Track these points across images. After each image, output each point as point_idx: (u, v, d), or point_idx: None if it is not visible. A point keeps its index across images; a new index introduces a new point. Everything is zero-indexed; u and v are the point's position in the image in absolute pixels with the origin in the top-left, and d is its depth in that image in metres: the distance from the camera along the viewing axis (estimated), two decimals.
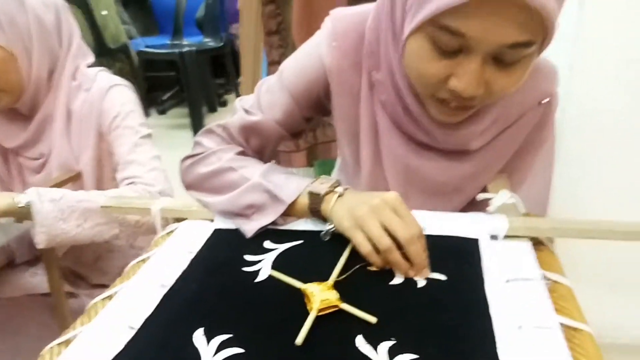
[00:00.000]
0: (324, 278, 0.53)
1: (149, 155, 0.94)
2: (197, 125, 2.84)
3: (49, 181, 0.94)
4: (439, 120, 0.64)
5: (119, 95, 0.95)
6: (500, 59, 0.54)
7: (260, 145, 0.76)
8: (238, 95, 3.21)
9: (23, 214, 0.76)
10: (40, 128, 0.93)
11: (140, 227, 0.86)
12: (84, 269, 1.05)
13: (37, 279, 1.01)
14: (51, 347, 0.47)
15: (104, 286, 1.06)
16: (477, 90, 0.55)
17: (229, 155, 0.71)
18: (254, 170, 0.68)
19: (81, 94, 0.94)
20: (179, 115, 3.26)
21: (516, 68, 0.55)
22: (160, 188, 0.89)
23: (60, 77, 0.92)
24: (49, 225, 0.76)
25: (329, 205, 0.62)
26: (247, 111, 0.74)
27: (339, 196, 0.62)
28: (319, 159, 1.76)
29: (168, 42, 3.18)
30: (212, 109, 3.33)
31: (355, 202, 0.59)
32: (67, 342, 0.48)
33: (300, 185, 0.65)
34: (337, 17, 0.71)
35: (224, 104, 3.45)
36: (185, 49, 2.81)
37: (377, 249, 0.55)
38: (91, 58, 0.99)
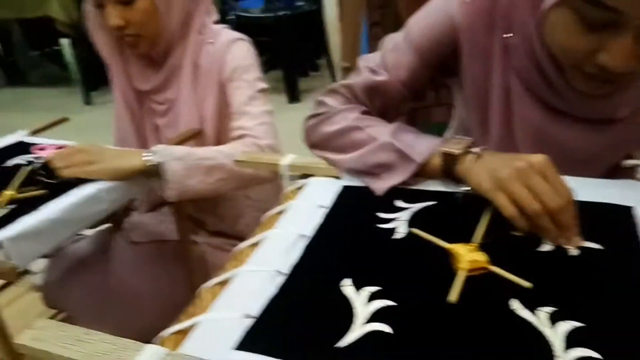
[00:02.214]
0: (464, 239, 0.53)
1: (262, 109, 0.97)
2: (291, 89, 2.88)
3: (175, 124, 1.01)
4: (583, 91, 0.60)
5: (240, 49, 0.99)
6: None
7: (384, 105, 0.75)
8: (329, 59, 3.20)
9: (153, 172, 0.82)
10: (169, 75, 1.00)
11: (255, 179, 0.91)
12: (204, 215, 1.12)
13: (164, 226, 1.10)
14: (212, 287, 0.51)
15: (221, 233, 1.14)
16: (629, 66, 0.52)
17: (354, 115, 0.71)
18: (381, 130, 0.68)
19: (206, 47, 0.98)
20: (272, 79, 3.32)
21: None
22: (268, 142, 0.92)
23: (189, 30, 0.97)
24: (178, 182, 0.82)
25: (465, 166, 0.60)
26: (372, 70, 0.73)
27: (475, 157, 0.60)
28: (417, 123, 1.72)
29: (261, 5, 3.21)
30: (304, 74, 3.35)
31: (497, 163, 0.57)
32: (222, 283, 0.51)
33: (431, 144, 0.64)
34: None
35: (316, 67, 3.46)
36: (281, 13, 2.83)
37: (522, 213, 0.53)
38: (216, 15, 1.03)
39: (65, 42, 2.99)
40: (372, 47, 1.81)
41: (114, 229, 1.10)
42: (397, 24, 1.73)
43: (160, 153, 0.82)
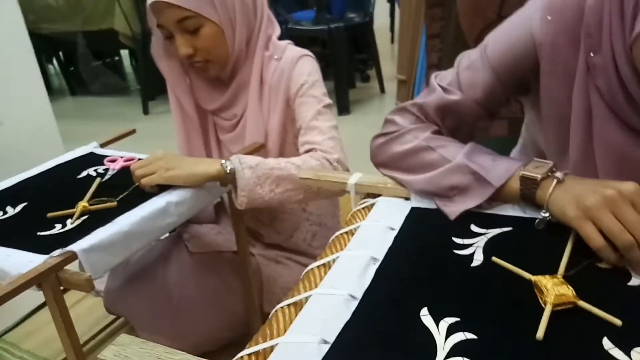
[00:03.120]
0: (546, 270, 0.50)
1: (329, 124, 0.97)
2: (342, 101, 2.88)
3: (240, 139, 1.02)
4: None
5: (306, 65, 0.99)
6: None
7: (456, 125, 0.73)
8: (379, 71, 3.19)
9: (227, 179, 0.84)
10: (236, 93, 1.01)
11: (321, 193, 0.91)
12: (261, 227, 1.13)
13: (221, 237, 1.12)
14: (282, 308, 0.50)
15: (276, 245, 1.15)
16: None
17: (425, 134, 0.70)
18: (454, 150, 0.66)
19: (273, 62, 1.00)
20: None
21: None
22: (337, 156, 0.92)
23: (255, 47, 0.99)
24: (249, 190, 0.83)
25: (547, 192, 0.57)
26: (445, 89, 0.71)
27: (557, 182, 0.57)
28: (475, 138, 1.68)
29: (313, 17, 3.24)
30: (352, 85, 3.35)
31: (582, 190, 0.54)
32: (296, 305, 0.51)
33: (510, 168, 0.61)
34: None
35: (366, 79, 3.45)
36: (333, 25, 2.85)
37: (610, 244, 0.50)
38: (279, 29, 1.04)
39: (125, 54, 3.12)
40: (430, 59, 1.78)
41: (172, 239, 1.13)
42: (456, 37, 1.70)
43: (234, 160, 0.84)
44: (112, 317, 1.23)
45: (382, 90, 3.22)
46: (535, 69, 0.66)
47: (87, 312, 1.29)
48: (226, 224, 1.17)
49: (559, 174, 0.58)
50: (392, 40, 4.52)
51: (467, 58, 0.72)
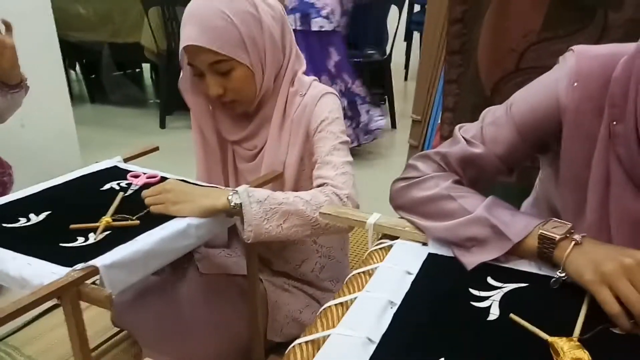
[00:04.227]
0: (561, 330, 0.51)
1: (343, 160, 0.99)
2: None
3: (257, 169, 1.04)
4: None
5: (329, 102, 1.02)
6: None
7: (477, 176, 0.75)
8: (392, 106, 3.24)
9: (234, 212, 0.85)
10: (259, 126, 1.04)
11: (328, 230, 0.92)
12: (271, 255, 1.14)
13: (231, 260, 1.13)
14: (300, 344, 0.52)
15: (284, 274, 1.16)
16: None
17: (446, 183, 0.72)
18: (474, 202, 0.68)
19: (297, 98, 1.02)
20: None
21: None
22: (347, 192, 0.93)
23: (281, 83, 1.02)
24: (256, 225, 0.84)
25: (564, 253, 0.59)
26: (468, 142, 0.74)
27: (575, 244, 0.59)
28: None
29: None
30: None
31: (601, 255, 0.55)
32: (314, 343, 0.52)
33: (529, 225, 0.63)
34: (583, 56, 0.67)
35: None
36: (353, 60, 2.91)
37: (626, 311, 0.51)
38: (304, 65, 1.07)
39: (145, 67, 3.17)
40: (446, 103, 1.82)
41: (183, 258, 1.14)
42: (473, 84, 1.73)
43: (242, 194, 0.85)
44: (116, 329, 1.23)
45: (394, 125, 3.27)
46: (558, 131, 0.69)
47: (90, 321, 1.29)
48: (236, 247, 1.18)
49: (577, 236, 0.59)
50: (406, 78, 4.60)
51: (492, 114, 0.74)
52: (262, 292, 1.10)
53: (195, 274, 1.10)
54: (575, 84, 0.65)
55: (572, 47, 0.70)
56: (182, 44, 0.92)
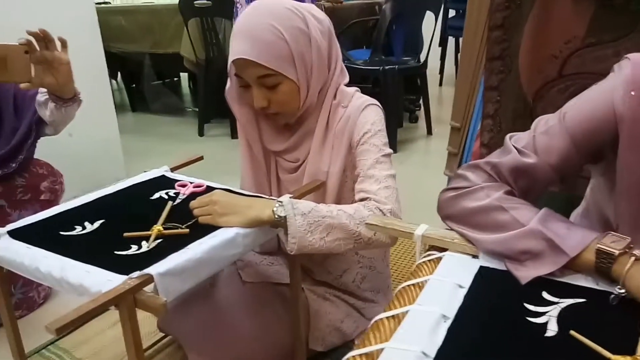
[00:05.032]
0: (621, 348, 0.50)
1: (386, 173, 0.98)
2: (390, 139, 2.90)
3: (299, 181, 1.05)
4: None
5: (372, 114, 1.02)
6: None
7: (529, 187, 0.74)
8: (428, 113, 3.22)
9: (278, 224, 0.86)
10: (301, 139, 1.05)
11: (371, 244, 0.91)
12: (312, 264, 1.15)
13: (273, 269, 1.14)
14: (354, 357, 0.52)
15: (325, 283, 1.16)
16: None
17: (498, 194, 0.71)
18: (527, 214, 0.66)
19: (339, 110, 1.03)
20: None
21: None
22: (390, 207, 0.92)
23: (325, 96, 1.02)
24: (300, 237, 0.85)
25: (624, 268, 0.57)
26: (520, 152, 0.73)
27: (636, 259, 0.57)
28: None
29: (369, 57, 3.32)
30: (400, 124, 3.38)
31: None
32: (368, 356, 0.52)
33: (585, 238, 0.62)
34: (639, 64, 0.65)
35: (415, 119, 3.48)
36: (388, 67, 2.90)
37: None
38: (347, 77, 1.08)
39: (184, 76, 3.25)
40: (486, 110, 1.79)
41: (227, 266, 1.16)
42: (514, 91, 1.70)
43: (286, 206, 0.85)
44: (161, 334, 1.26)
45: (430, 132, 3.24)
46: (614, 141, 0.67)
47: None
48: (278, 255, 1.19)
49: (637, 252, 0.58)
50: (440, 83, 4.55)
51: (545, 123, 0.73)
52: (303, 301, 1.11)
53: (238, 282, 1.11)
54: (633, 93, 0.64)
55: (628, 56, 0.68)
56: (231, 57, 0.94)
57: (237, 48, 0.92)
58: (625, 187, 0.69)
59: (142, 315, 1.23)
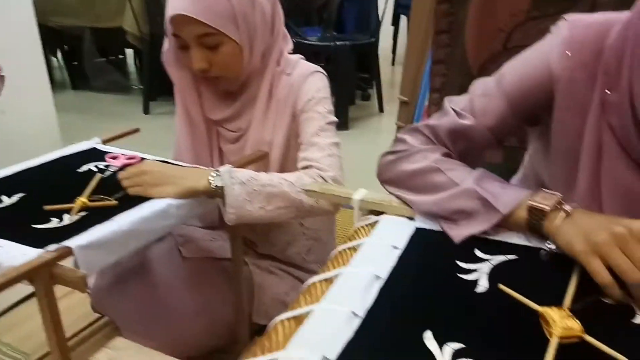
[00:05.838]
0: (551, 301, 0.50)
1: (330, 141, 0.96)
2: (341, 116, 2.89)
3: (241, 151, 1.01)
4: None
5: (316, 81, 0.99)
6: None
7: (466, 149, 0.73)
8: (379, 90, 3.22)
9: (215, 194, 0.82)
10: (243, 106, 1.00)
11: (313, 212, 0.89)
12: (256, 237, 1.12)
13: (216, 244, 1.10)
14: (282, 321, 0.49)
15: (269, 256, 1.13)
16: None
17: (435, 156, 0.70)
18: (463, 175, 0.66)
19: (283, 78, 0.99)
20: None
21: None
22: (332, 174, 0.91)
23: (268, 63, 0.98)
24: (238, 207, 0.82)
25: (554, 224, 0.57)
26: (458, 114, 0.72)
27: (566, 215, 0.57)
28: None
29: (319, 34, 3.28)
30: (352, 102, 3.38)
31: (591, 225, 0.54)
32: (297, 318, 0.50)
33: (518, 196, 0.61)
34: (576, 25, 0.65)
35: (366, 97, 3.48)
36: (340, 43, 2.87)
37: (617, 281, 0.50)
38: (291, 44, 1.04)
39: (129, 53, 3.11)
40: (433, 83, 1.80)
41: (165, 241, 1.11)
42: (461, 64, 1.71)
43: (224, 176, 0.82)
44: (97, 315, 1.20)
45: (381, 109, 3.25)
46: (549, 102, 0.67)
47: (71, 307, 1.26)
48: (221, 230, 1.15)
49: (567, 207, 0.58)
50: (393, 63, 4.57)
51: (483, 85, 0.72)
52: (247, 275, 1.08)
53: (178, 258, 1.07)
54: (569, 53, 0.64)
55: (565, 16, 0.68)
56: (169, 13, 0.88)
57: (176, 4, 0.86)
58: (559, 147, 0.69)
59: (78, 298, 1.17)
